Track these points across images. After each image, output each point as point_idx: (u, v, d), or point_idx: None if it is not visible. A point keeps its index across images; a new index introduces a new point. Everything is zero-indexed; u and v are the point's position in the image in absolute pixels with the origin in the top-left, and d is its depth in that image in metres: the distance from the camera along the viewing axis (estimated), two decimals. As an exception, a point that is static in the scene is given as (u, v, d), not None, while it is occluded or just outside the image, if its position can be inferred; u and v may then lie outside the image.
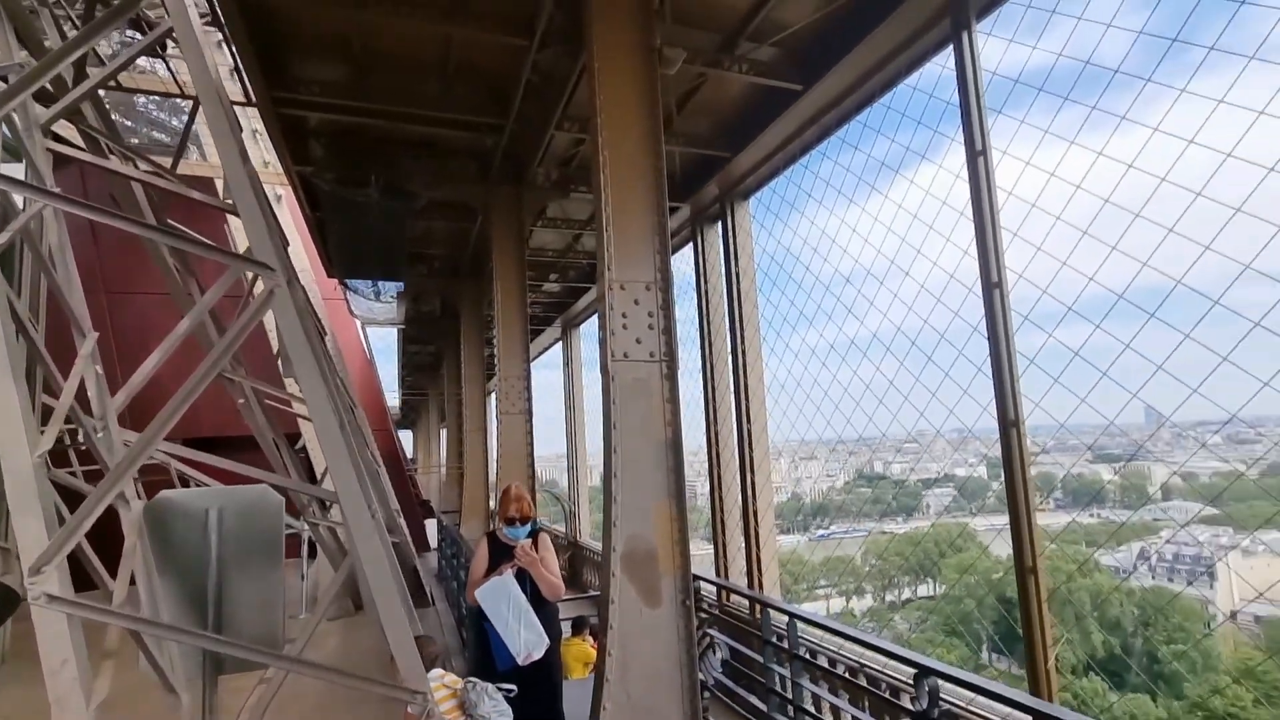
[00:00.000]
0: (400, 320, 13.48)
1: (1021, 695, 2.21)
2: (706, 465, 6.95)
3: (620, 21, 3.22)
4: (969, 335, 3.71)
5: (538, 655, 3.32)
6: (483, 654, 3.49)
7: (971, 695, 3.46)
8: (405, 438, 36.25)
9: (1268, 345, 2.60)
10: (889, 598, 36.37)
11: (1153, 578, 22.72)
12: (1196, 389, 2.80)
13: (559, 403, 13.55)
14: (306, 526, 8.10)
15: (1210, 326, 2.78)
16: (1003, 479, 3.70)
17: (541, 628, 3.35)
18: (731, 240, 5.91)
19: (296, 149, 5.82)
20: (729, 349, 6.20)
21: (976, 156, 3.43)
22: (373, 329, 16.22)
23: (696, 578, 5.32)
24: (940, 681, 2.42)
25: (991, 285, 3.48)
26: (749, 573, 6.17)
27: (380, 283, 10.13)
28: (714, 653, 4.71)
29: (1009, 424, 3.52)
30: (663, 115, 4.00)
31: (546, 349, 15.49)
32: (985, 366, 3.63)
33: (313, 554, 9.00)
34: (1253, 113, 2.45)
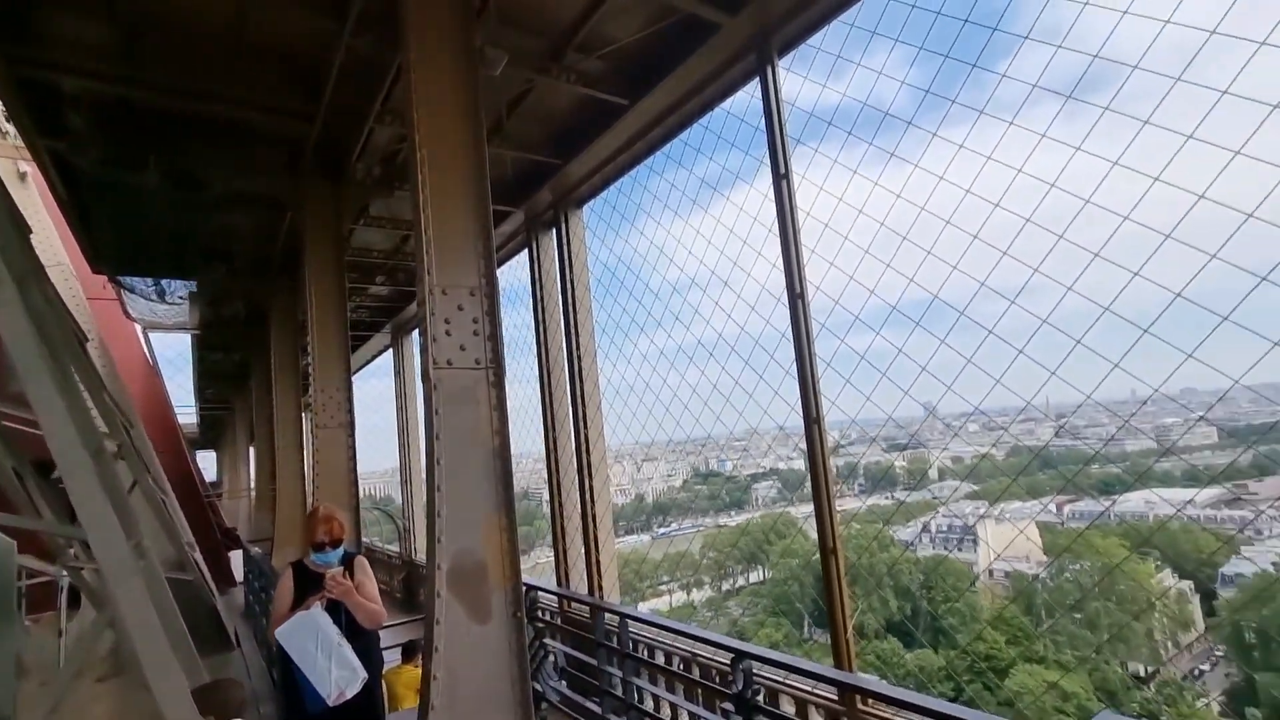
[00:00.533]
0: (194, 325, 11.76)
1: (820, 667, 2.45)
2: (546, 468, 6.89)
3: (438, 14, 3.08)
4: (778, 341, 4.07)
5: (352, 693, 3.04)
6: (292, 697, 3.13)
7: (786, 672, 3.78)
8: (206, 459, 31.64)
9: (1004, 349, 3.12)
10: (725, 586, 38.70)
11: (933, 547, 26.57)
12: (950, 386, 3.30)
13: (393, 413, 12.67)
14: (65, 572, 6.72)
15: (962, 333, 3.29)
16: (809, 472, 4.09)
17: (357, 662, 3.07)
18: (566, 247, 5.93)
19: (45, 118, 4.83)
20: (565, 355, 6.21)
21: (780, 179, 3.77)
22: (161, 335, 13.96)
23: (531, 587, 5.24)
24: (754, 663, 2.60)
25: (795, 296, 3.84)
26: (589, 576, 6.21)
27: (165, 281, 8.75)
28: (549, 662, 4.65)
29: (811, 420, 3.90)
30: (490, 117, 3.88)
31: (376, 356, 14.44)
32: (792, 369, 4.00)
33: (76, 604, 7.49)
34: (984, 157, 2.96)
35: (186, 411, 23.27)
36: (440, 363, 3.09)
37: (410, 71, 3.04)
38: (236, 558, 12.36)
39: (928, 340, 3.36)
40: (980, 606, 25.93)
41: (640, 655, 4.17)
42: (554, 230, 6.10)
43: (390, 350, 12.70)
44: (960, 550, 25.71)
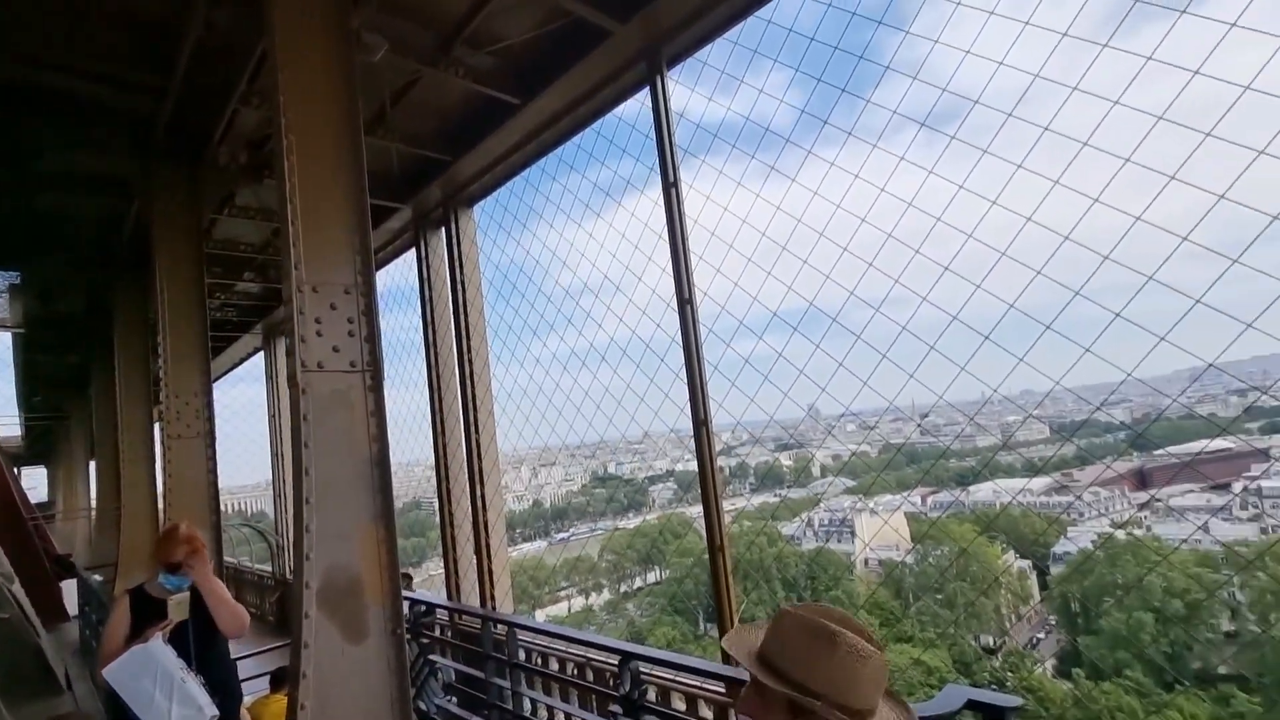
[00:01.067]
0: (15, 321, 10.20)
1: (701, 662, 2.49)
2: (436, 477, 6.61)
3: (308, -8, 2.85)
4: (669, 346, 4.14)
5: (200, 732, 2.73)
6: (126, 741, 2.76)
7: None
8: (35, 476, 27.56)
9: (874, 354, 3.33)
10: (623, 588, 38.96)
11: (815, 540, 28.21)
12: (824, 389, 3.50)
13: (265, 420, 11.63)
14: None
15: (837, 338, 3.49)
16: (698, 471, 4.18)
17: (205, 699, 2.75)
18: (456, 247, 5.71)
19: None
20: (456, 358, 5.98)
21: (670, 188, 3.84)
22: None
23: (416, 601, 4.98)
24: (640, 663, 2.61)
25: (684, 302, 3.92)
26: (480, 586, 6.00)
27: (-22, 272, 7.52)
28: (436, 679, 4.44)
29: (700, 423, 4.00)
30: (373, 106, 3.65)
31: (246, 358, 13.21)
32: (682, 373, 4.08)
33: None
34: (853, 175, 3.18)
35: (7, 421, 20.18)
36: (310, 365, 2.86)
37: (274, 50, 2.80)
38: (71, 587, 10.82)
39: (807, 345, 3.54)
40: (857, 593, 27.80)
41: (531, 664, 4.07)
42: (444, 229, 5.86)
43: (262, 353, 11.67)
44: (839, 542, 27.47)
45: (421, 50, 4.13)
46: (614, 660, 4.20)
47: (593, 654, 4.28)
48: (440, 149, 5.23)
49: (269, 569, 11.41)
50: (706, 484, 4.11)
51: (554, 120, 4.52)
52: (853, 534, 26.63)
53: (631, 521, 36.61)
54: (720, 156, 3.73)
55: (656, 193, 3.97)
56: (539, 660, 3.97)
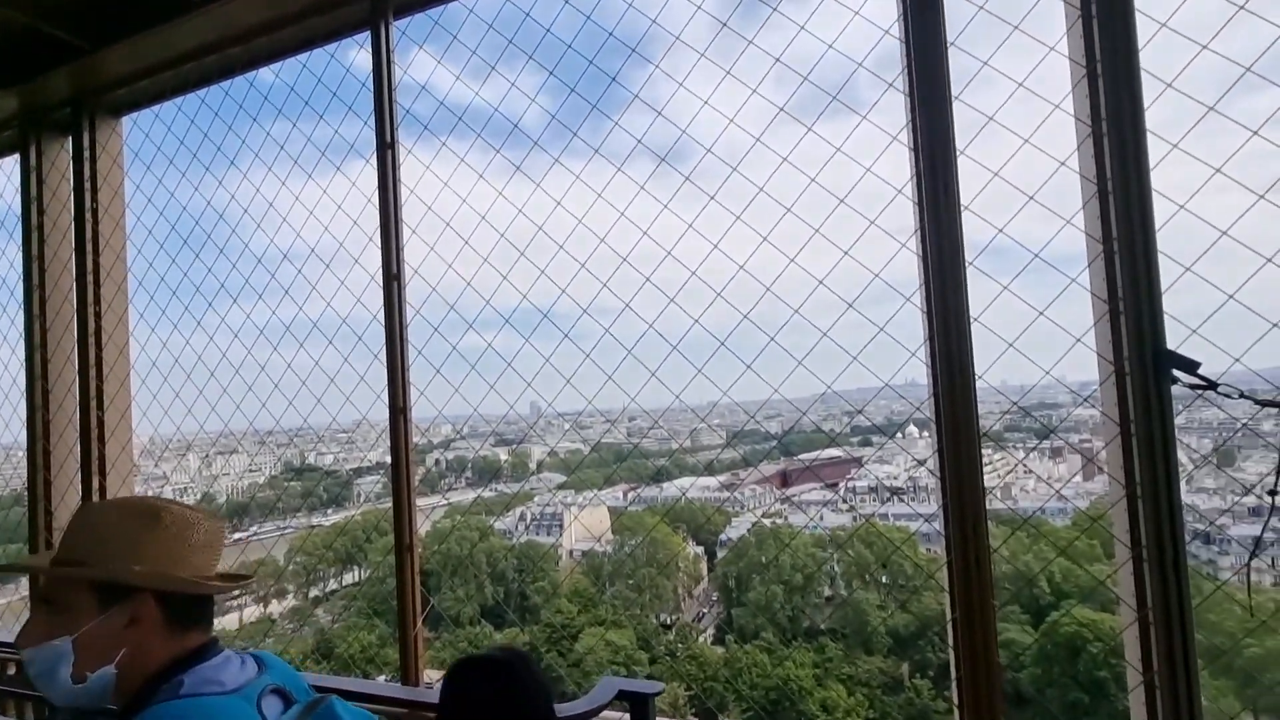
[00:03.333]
0: None
1: (330, 680, 2.14)
2: (28, 465, 4.87)
3: None
4: (368, 324, 3.64)
5: None
6: None
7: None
8: None
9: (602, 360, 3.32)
10: (314, 593, 34.51)
11: (527, 534, 28.72)
12: (530, 383, 3.42)
13: None
14: None
15: (572, 342, 3.42)
16: (391, 463, 3.75)
17: None
18: (90, 165, 4.26)
19: None
20: (76, 311, 4.47)
21: (385, 148, 3.39)
22: None
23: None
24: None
25: (391, 277, 3.48)
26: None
27: None
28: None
29: (398, 410, 3.58)
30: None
31: None
32: (383, 355, 3.62)
33: None
34: (595, 194, 3.17)
35: None
36: None
37: None
38: None
39: (540, 345, 3.42)
40: (560, 582, 28.99)
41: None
42: (71, 137, 4.32)
43: None
44: (549, 535, 28.38)
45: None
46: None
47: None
48: (72, 29, 3.83)
49: None
50: (400, 477, 3.69)
51: (249, 35, 3.63)
52: (561, 527, 27.76)
53: (330, 518, 32.70)
54: (454, 139, 3.42)
55: (372, 156, 3.47)
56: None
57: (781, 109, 2.90)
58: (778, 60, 2.86)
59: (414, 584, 3.79)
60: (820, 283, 2.78)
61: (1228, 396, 2.10)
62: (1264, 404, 2.08)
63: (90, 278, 4.32)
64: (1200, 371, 2.16)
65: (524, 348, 3.41)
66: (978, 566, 2.43)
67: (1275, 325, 2.09)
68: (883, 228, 2.73)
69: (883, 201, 2.78)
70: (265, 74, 3.87)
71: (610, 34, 3.14)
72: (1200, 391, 2.15)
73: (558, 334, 3.43)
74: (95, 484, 4.52)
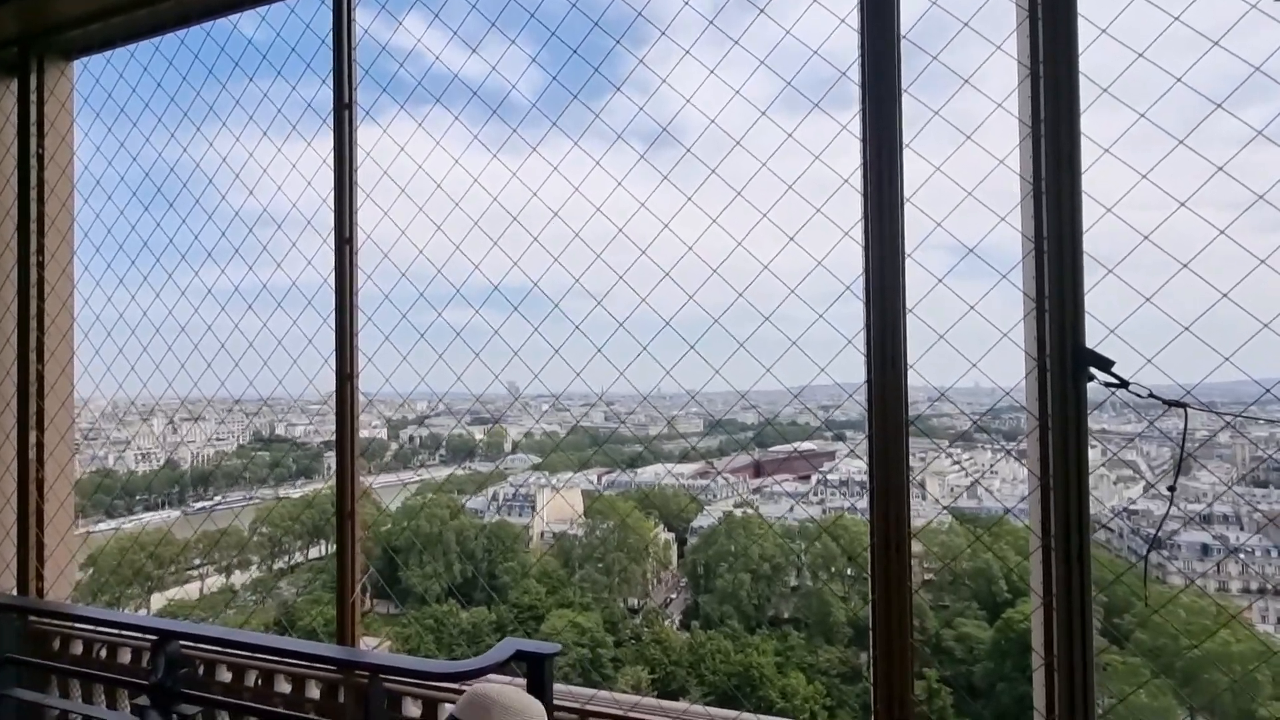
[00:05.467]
0: None
1: (253, 636, 2.18)
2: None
3: None
4: (318, 288, 3.63)
5: None
6: None
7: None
8: None
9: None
10: (278, 565, 34.29)
11: (499, 514, 28.75)
12: (500, 369, 3.43)
13: None
14: None
15: (552, 323, 3.42)
16: (336, 430, 3.75)
17: None
18: (38, 109, 4.15)
19: None
20: (18, 261, 4.38)
21: (343, 109, 3.36)
22: None
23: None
24: (183, 644, 2.17)
25: (344, 241, 3.47)
26: (22, 567, 4.50)
27: None
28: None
29: (344, 377, 3.59)
30: None
31: None
32: (332, 320, 3.60)
33: None
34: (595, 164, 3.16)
35: None
36: None
37: None
38: None
39: (519, 325, 3.41)
40: (529, 564, 29.14)
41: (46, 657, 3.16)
42: (16, 79, 4.21)
43: None
44: (520, 515, 28.46)
45: None
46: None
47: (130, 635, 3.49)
48: (21, -35, 3.73)
49: None
50: (344, 445, 3.71)
51: (206, -17, 3.57)
52: (533, 508, 27.87)
53: (299, 490, 32.44)
54: (440, 112, 3.38)
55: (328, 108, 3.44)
56: (58, 644, 3.11)
57: (757, 114, 2.89)
58: (766, 58, 2.87)
59: (353, 549, 3.83)
60: (765, 267, 2.83)
61: (1137, 395, 2.20)
62: (1170, 404, 2.18)
63: (34, 226, 4.23)
64: (1115, 370, 2.25)
65: (504, 325, 3.41)
66: (897, 551, 2.53)
67: (1186, 329, 2.18)
68: (829, 217, 2.77)
69: (839, 192, 2.82)
70: (224, 25, 3.79)
71: (596, 23, 3.13)
72: (1113, 390, 2.25)
73: (535, 314, 3.41)
74: (32, 439, 4.47)
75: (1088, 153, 2.30)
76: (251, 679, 3.30)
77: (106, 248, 4.28)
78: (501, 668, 1.76)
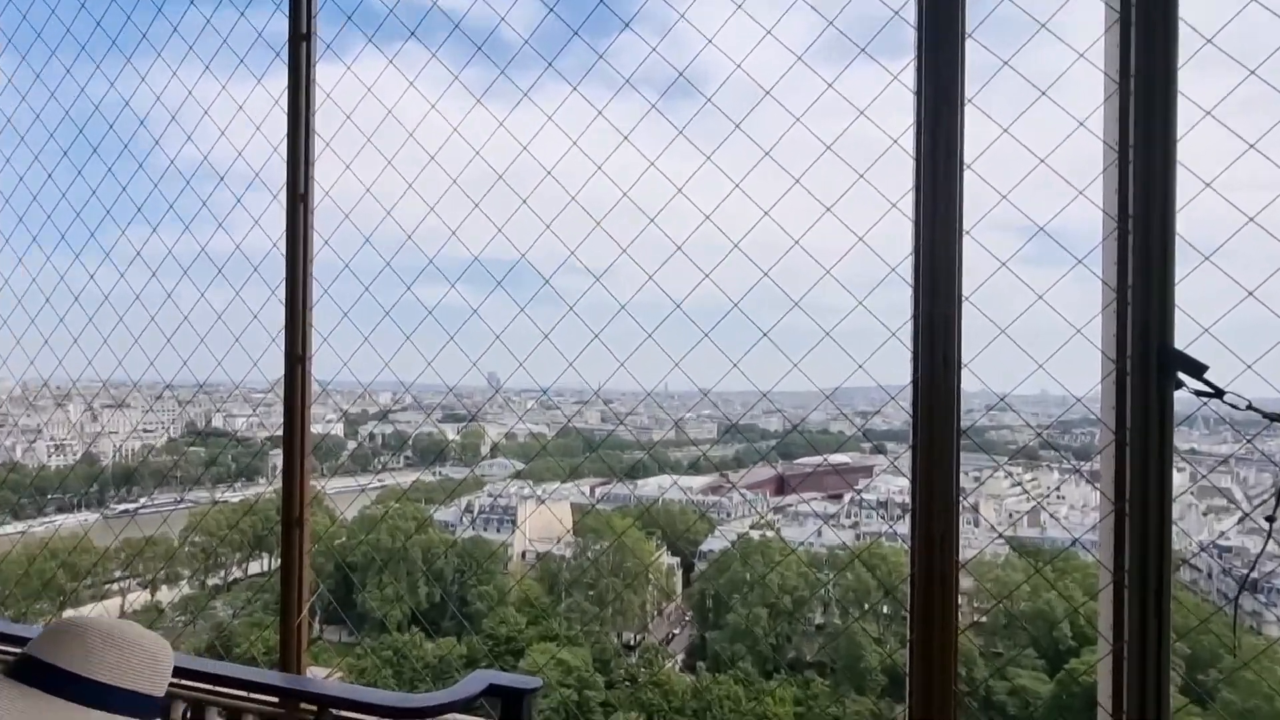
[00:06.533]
0: None
1: (181, 659, 2.20)
2: None
3: None
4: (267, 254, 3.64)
5: None
6: None
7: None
8: None
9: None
10: (213, 580, 34.51)
11: (473, 529, 28.88)
12: (479, 355, 3.45)
13: None
14: None
15: (544, 305, 3.43)
16: (284, 422, 3.79)
17: None
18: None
19: None
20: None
21: (300, 41, 3.36)
22: None
23: None
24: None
25: (298, 198, 3.48)
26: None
27: None
28: None
29: (295, 360, 3.60)
30: None
31: None
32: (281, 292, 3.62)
33: None
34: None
35: None
36: None
37: None
38: None
39: (502, 306, 3.41)
40: (509, 588, 29.30)
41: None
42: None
43: None
44: (499, 530, 28.58)
45: None
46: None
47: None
48: None
49: None
50: (294, 441, 3.76)
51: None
52: (514, 523, 27.97)
53: (239, 493, 32.59)
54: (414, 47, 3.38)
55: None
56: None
57: (792, 59, 2.85)
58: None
59: (301, 564, 3.87)
60: (796, 243, 2.83)
61: (1234, 408, 2.19)
62: (1273, 418, 2.17)
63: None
64: (1208, 377, 2.24)
65: (484, 304, 3.38)
66: (942, 586, 2.53)
67: (1295, 330, 2.17)
68: (874, 185, 2.76)
69: (887, 155, 2.79)
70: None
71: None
72: (1205, 400, 2.24)
73: (523, 292, 3.38)
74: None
75: (1185, 117, 2.28)
76: (179, 712, 3.34)
77: (18, 199, 4.30)
78: (470, 704, 1.77)
